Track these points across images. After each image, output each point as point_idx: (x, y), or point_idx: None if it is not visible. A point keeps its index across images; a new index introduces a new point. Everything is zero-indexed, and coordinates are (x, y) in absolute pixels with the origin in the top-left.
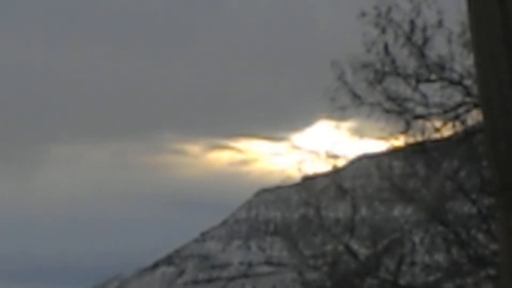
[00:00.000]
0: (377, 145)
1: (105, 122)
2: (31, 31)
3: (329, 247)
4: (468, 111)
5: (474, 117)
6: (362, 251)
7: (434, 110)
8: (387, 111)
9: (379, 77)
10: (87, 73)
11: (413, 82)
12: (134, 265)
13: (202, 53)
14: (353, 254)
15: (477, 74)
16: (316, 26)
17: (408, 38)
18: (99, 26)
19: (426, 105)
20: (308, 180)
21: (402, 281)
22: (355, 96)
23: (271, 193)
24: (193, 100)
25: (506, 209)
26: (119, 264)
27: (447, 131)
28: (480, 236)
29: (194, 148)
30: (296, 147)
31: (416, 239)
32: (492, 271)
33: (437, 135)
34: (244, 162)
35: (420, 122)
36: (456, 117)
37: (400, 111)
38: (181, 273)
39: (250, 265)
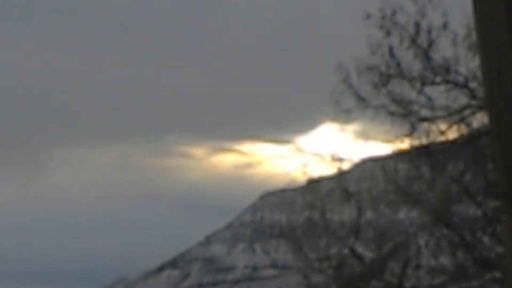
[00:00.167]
0: (382, 148)
1: (111, 124)
2: (38, 36)
3: (334, 250)
4: (473, 113)
5: (479, 119)
6: (367, 254)
7: (439, 113)
8: (392, 114)
9: (384, 79)
10: (92, 76)
11: (418, 84)
12: (139, 268)
13: (207, 56)
14: (358, 257)
15: (483, 76)
16: (321, 28)
17: (413, 41)
18: (105, 29)
19: (431, 107)
20: (313, 183)
21: (407, 284)
22: (360, 99)
23: (275, 196)
24: (198, 103)
25: (511, 211)
26: (124, 267)
27: (452, 134)
28: (486, 239)
29: (199, 151)
30: (300, 150)
31: (421, 242)
32: (497, 274)
33: (442, 138)
34: (249, 165)
35: (425, 124)
36: (461, 120)
37: (405, 114)
38: (186, 276)
39: (255, 268)
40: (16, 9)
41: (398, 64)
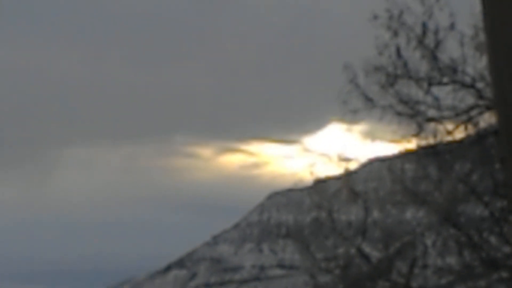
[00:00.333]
0: (389, 148)
1: (118, 126)
2: (47, 38)
3: (341, 250)
4: (480, 113)
5: (487, 119)
6: (374, 254)
7: (446, 113)
8: (399, 114)
9: (391, 80)
10: (100, 78)
11: (425, 85)
12: (147, 268)
13: (215, 57)
14: (365, 257)
15: (491, 77)
16: (328, 29)
17: (420, 41)
18: (113, 31)
19: (438, 108)
20: (320, 183)
21: (414, 284)
22: (367, 99)
23: (283, 196)
24: (205, 103)
25: None
26: (132, 267)
27: (459, 134)
28: (493, 239)
29: (206, 151)
30: (307, 150)
31: (428, 241)
32: (504, 274)
33: (449, 138)
34: (256, 165)
35: (432, 125)
36: (469, 120)
37: (412, 114)
38: (193, 276)
39: (262, 268)
40: (26, 12)
41: (405, 65)
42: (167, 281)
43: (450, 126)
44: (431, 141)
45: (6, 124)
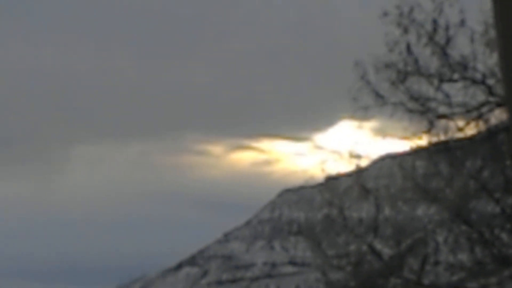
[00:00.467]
0: (400, 145)
1: (128, 123)
2: (55, 34)
3: (352, 247)
4: (491, 110)
5: (497, 116)
6: (386, 251)
7: (457, 110)
8: (410, 111)
9: (402, 76)
10: (110, 74)
11: (435, 81)
12: (158, 266)
13: (224, 53)
14: (377, 254)
15: (502, 73)
16: (339, 26)
17: (431, 38)
18: (121, 27)
19: (449, 104)
20: (331, 180)
21: (425, 281)
22: (378, 96)
23: (294, 193)
24: (215, 100)
25: None
26: (143, 265)
27: (470, 131)
28: (504, 236)
29: (216, 149)
30: (318, 147)
31: (440, 238)
32: None
33: (460, 135)
34: (267, 163)
35: (443, 121)
36: (479, 116)
37: (423, 111)
38: (205, 273)
39: (273, 265)
40: (33, 9)
41: (416, 61)
42: (179, 278)
43: (461, 122)
44: (442, 137)
45: (14, 121)
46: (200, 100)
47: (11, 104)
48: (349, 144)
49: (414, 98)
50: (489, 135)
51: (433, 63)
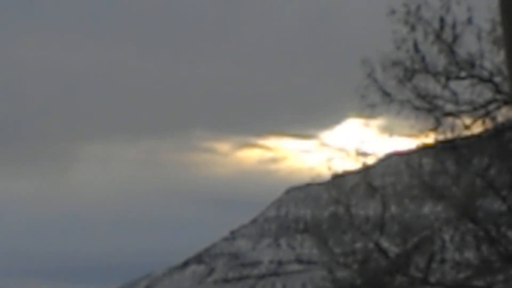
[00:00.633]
0: (407, 143)
1: (136, 121)
2: (62, 33)
3: (359, 245)
4: (498, 108)
5: (504, 114)
6: (392, 249)
7: (464, 107)
8: (417, 109)
9: (409, 74)
10: (119, 73)
11: (443, 79)
12: (165, 264)
13: (232, 52)
14: (383, 252)
15: (508, 71)
16: (346, 24)
17: (438, 36)
18: (130, 26)
19: (456, 102)
20: (338, 178)
21: (432, 279)
22: (385, 94)
23: (300, 191)
24: (223, 99)
25: None
26: (150, 263)
27: (477, 128)
28: (510, 233)
29: (224, 146)
30: (325, 145)
31: (446, 236)
32: None
33: (467, 132)
34: (274, 160)
35: (450, 119)
36: (486, 114)
37: (430, 109)
38: (211, 271)
39: (280, 263)
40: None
41: (423, 59)
42: (185, 276)
43: (467, 120)
44: (448, 135)
45: (23, 119)
46: (207, 98)
47: (18, 103)
48: (355, 142)
49: (421, 96)
50: (496, 133)
51: (440, 61)
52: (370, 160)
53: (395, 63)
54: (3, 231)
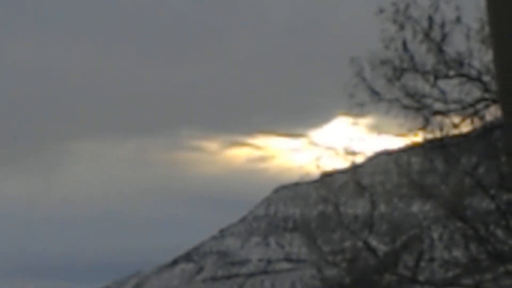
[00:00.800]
0: (395, 142)
1: (125, 120)
2: (53, 31)
3: (348, 244)
4: (486, 107)
5: (493, 113)
6: (381, 248)
7: (452, 106)
8: (406, 107)
9: (398, 73)
10: (106, 73)
11: (431, 78)
12: (153, 262)
13: (221, 51)
14: (372, 251)
15: (496, 70)
16: (334, 23)
17: (427, 35)
18: (119, 26)
19: (445, 101)
20: (327, 177)
21: (420, 277)
22: (374, 93)
23: (289, 190)
24: (211, 97)
25: None
26: (139, 261)
27: (465, 127)
28: (499, 232)
29: (212, 145)
30: (314, 144)
31: (435, 235)
32: (510, 267)
33: (455, 131)
34: (262, 159)
35: (438, 118)
36: (475, 113)
37: (418, 107)
38: (200, 269)
39: (269, 261)
40: (30, 7)
41: (412, 58)
42: (174, 274)
43: (456, 119)
44: (437, 134)
45: (12, 118)
46: (195, 97)
47: (8, 102)
48: (344, 141)
49: (410, 94)
50: (485, 132)
51: (429, 60)
52: (359, 159)
53: (384, 62)
54: None
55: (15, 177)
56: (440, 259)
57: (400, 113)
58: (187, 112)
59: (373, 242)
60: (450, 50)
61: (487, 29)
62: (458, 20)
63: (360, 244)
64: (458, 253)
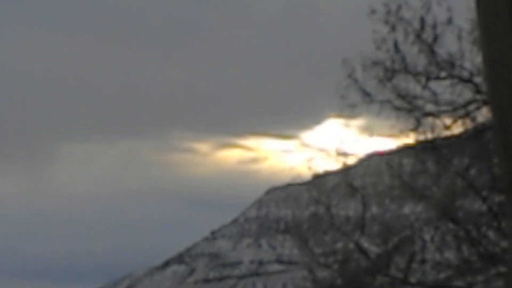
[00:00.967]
0: (387, 143)
1: (116, 121)
2: (43, 32)
3: (339, 245)
4: (478, 108)
5: (484, 114)
6: (373, 249)
7: (444, 108)
8: (397, 109)
9: (389, 74)
10: (97, 73)
11: (423, 79)
12: (145, 264)
13: (212, 53)
14: (364, 252)
15: (486, 71)
16: (326, 24)
17: (418, 36)
18: (110, 26)
19: (436, 102)
20: (318, 178)
21: (412, 279)
22: (365, 94)
23: (281, 191)
24: (202, 98)
25: None
26: (130, 263)
27: (457, 129)
28: (491, 234)
29: (203, 147)
30: (305, 145)
31: (427, 236)
32: (502, 269)
33: (447, 133)
34: (254, 160)
35: (430, 119)
36: (466, 115)
37: (410, 109)
38: (192, 271)
39: (260, 263)
40: (22, 7)
41: (403, 59)
42: (166, 276)
43: (448, 120)
44: (429, 135)
45: (2, 118)
46: (186, 98)
47: (1, 103)
48: (336, 142)
49: (401, 96)
50: (476, 133)
51: (420, 61)
52: (351, 160)
53: (375, 63)
54: None
55: (6, 177)
56: (432, 261)
57: (391, 114)
58: (179, 113)
59: (365, 244)
60: (442, 51)
61: (478, 30)
62: (449, 21)
63: (351, 245)
64: (450, 254)
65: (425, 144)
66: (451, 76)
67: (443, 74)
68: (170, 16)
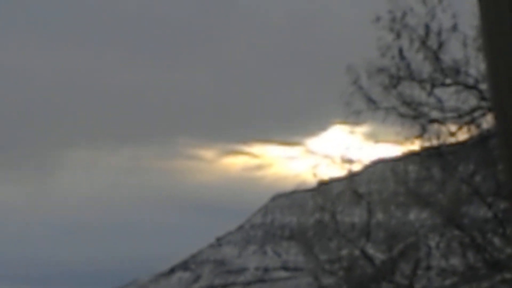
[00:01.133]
0: (392, 150)
1: (120, 127)
2: (46, 37)
3: (344, 252)
4: (483, 115)
5: (489, 121)
6: (378, 256)
7: (449, 114)
8: (402, 116)
9: (394, 81)
10: (101, 79)
11: (428, 86)
12: (150, 270)
13: (217, 59)
14: (369, 259)
15: (489, 78)
16: (331, 31)
17: (423, 42)
18: (115, 32)
19: (441, 109)
20: (324, 185)
21: (417, 286)
22: (370, 101)
23: (286, 198)
24: (207, 105)
25: None
26: (135, 269)
27: (462, 135)
28: (496, 240)
29: (208, 153)
30: (311, 152)
31: (432, 243)
32: (507, 275)
33: (452, 139)
34: (259, 167)
35: (435, 126)
36: (471, 121)
37: (415, 116)
38: (197, 278)
39: (266, 270)
40: (26, 14)
41: (408, 66)
42: (171, 283)
43: (453, 127)
44: (434, 142)
45: (7, 125)
46: (192, 105)
47: (4, 109)
48: (341, 149)
49: (407, 103)
50: (481, 140)
51: (425, 68)
52: (356, 167)
53: (380, 70)
54: None
55: (9, 184)
56: (437, 267)
57: (396, 121)
58: (184, 120)
59: (370, 251)
60: (447, 58)
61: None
62: (454, 28)
63: (357, 252)
64: (455, 261)
65: (430, 150)
66: (456, 83)
67: (448, 81)
68: (175, 22)
